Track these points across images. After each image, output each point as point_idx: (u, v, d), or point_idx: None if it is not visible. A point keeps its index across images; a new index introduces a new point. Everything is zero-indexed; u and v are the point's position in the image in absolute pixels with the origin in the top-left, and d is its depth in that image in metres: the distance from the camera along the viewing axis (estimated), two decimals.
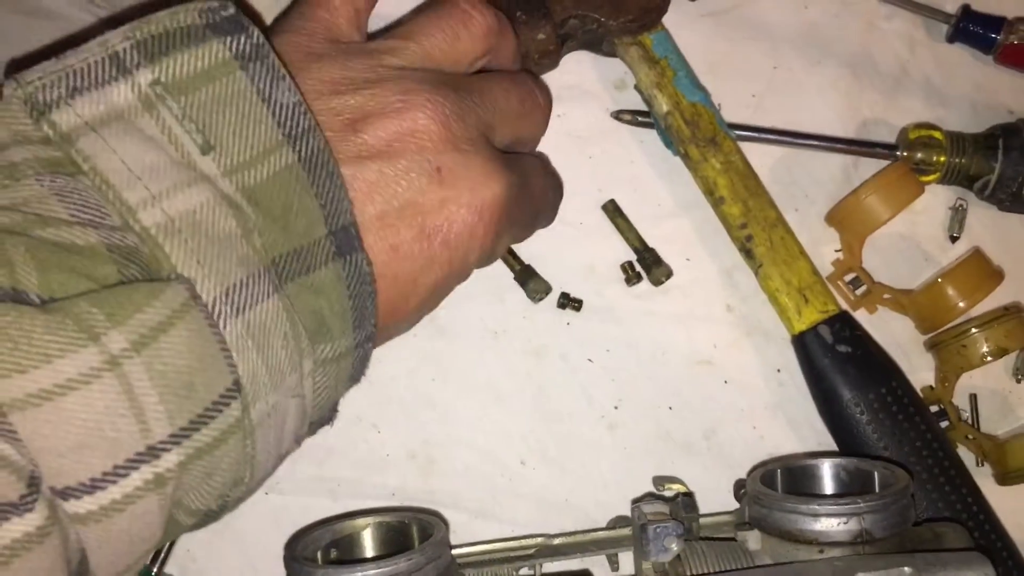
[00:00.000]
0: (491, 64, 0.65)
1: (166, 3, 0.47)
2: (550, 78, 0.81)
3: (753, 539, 0.59)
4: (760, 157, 0.80)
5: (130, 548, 0.38)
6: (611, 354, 0.78)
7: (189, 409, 0.37)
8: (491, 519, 0.74)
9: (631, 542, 0.66)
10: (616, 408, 0.77)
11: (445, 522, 0.61)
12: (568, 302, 0.78)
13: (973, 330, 0.73)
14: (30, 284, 0.35)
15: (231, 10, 0.45)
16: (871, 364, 0.73)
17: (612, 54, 0.81)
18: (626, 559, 0.69)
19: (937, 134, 0.79)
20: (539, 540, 0.68)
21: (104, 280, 0.37)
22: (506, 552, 0.67)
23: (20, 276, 0.35)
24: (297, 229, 0.43)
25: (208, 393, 0.38)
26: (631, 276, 0.79)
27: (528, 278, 0.78)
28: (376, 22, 0.70)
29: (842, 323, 0.74)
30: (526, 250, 0.79)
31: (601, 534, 0.68)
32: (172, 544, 0.71)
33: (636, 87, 0.80)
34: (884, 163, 0.80)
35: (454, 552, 0.64)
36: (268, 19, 0.82)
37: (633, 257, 0.79)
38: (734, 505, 0.69)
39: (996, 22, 0.82)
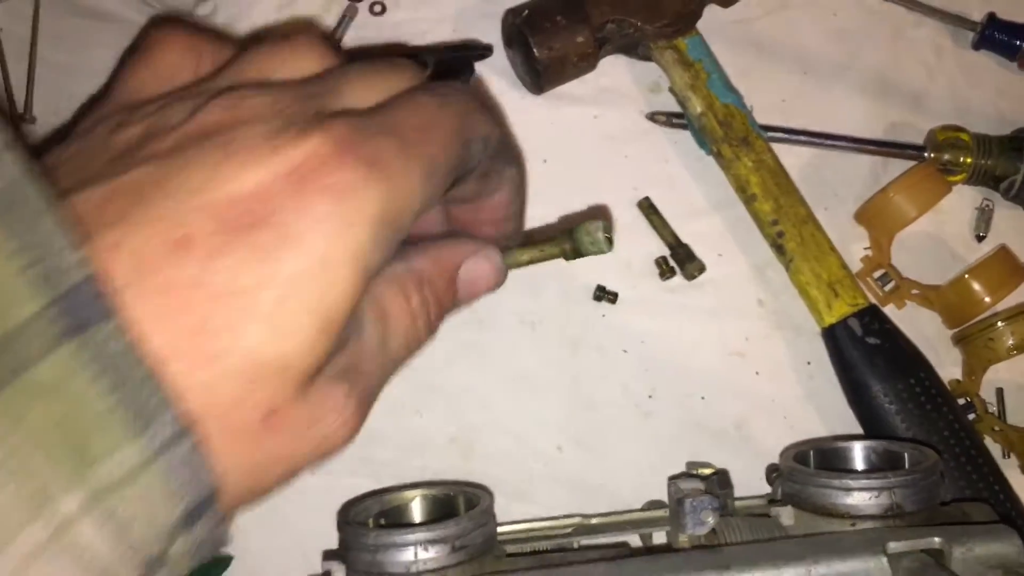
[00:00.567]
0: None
1: None
2: (588, 81, 0.85)
3: (786, 514, 0.61)
4: (790, 158, 0.82)
5: None
6: (645, 345, 0.81)
7: None
8: (528, 502, 0.77)
9: (666, 522, 0.68)
10: (650, 397, 0.80)
11: (490, 494, 0.63)
12: (604, 295, 0.81)
13: (999, 324, 0.76)
14: None
15: None
16: (900, 356, 0.75)
17: (647, 58, 0.84)
18: (660, 539, 0.71)
19: (964, 136, 0.81)
20: (576, 520, 0.70)
21: None
22: (545, 531, 0.69)
23: None
24: None
25: None
26: (665, 271, 0.82)
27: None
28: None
29: (871, 316, 0.76)
30: None
31: (637, 515, 0.70)
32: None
33: (671, 89, 0.84)
34: (912, 164, 0.83)
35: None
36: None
37: (667, 252, 0.82)
38: (766, 492, 0.71)
39: (1021, 30, 0.85)
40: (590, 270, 0.81)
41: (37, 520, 0.25)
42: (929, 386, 0.74)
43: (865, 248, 0.82)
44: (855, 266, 0.81)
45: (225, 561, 0.74)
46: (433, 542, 0.56)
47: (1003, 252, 0.79)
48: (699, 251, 0.82)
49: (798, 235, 0.78)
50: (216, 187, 0.30)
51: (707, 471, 0.69)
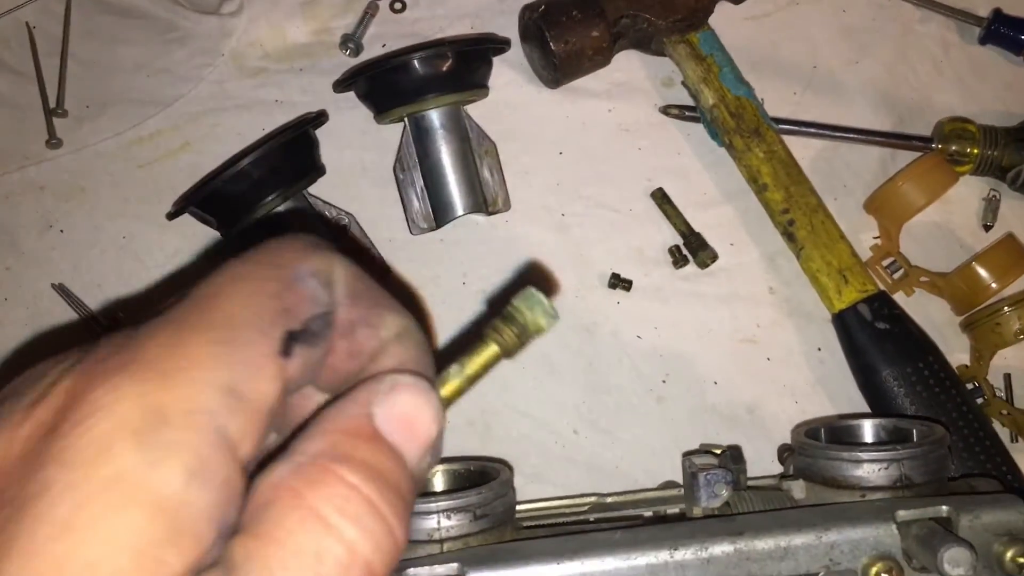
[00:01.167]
0: None
1: None
2: (602, 75, 0.87)
3: (798, 488, 0.62)
4: (801, 150, 0.84)
5: None
6: (659, 332, 0.82)
7: None
8: (545, 483, 0.79)
9: (680, 501, 0.70)
10: (664, 382, 0.81)
11: (510, 468, 0.65)
12: (619, 282, 0.83)
13: (1006, 309, 0.77)
14: None
15: None
16: (909, 340, 0.77)
17: (660, 53, 0.87)
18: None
19: (971, 127, 0.83)
20: (593, 499, 0.72)
21: None
22: (562, 508, 0.71)
23: None
24: None
25: None
26: (678, 259, 0.84)
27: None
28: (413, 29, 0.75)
29: (880, 302, 0.78)
30: (578, 232, 0.84)
31: (651, 493, 0.72)
32: None
33: (683, 82, 0.86)
34: (920, 155, 0.84)
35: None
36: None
37: (680, 241, 0.84)
38: (778, 473, 0.73)
39: None
40: (605, 259, 0.83)
41: None
42: (937, 369, 0.75)
43: (875, 237, 0.84)
44: (865, 255, 0.82)
45: None
46: (456, 510, 0.57)
47: (1009, 239, 0.81)
48: (712, 240, 0.84)
49: (808, 223, 0.80)
50: None
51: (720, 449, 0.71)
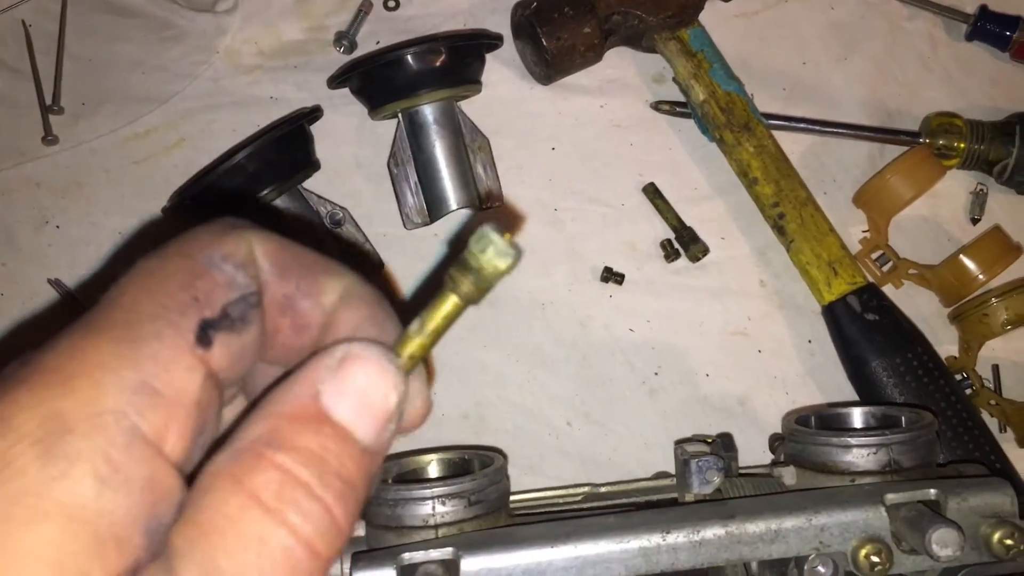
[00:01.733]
0: None
1: None
2: (594, 72, 0.88)
3: (788, 474, 0.63)
4: (790, 145, 0.85)
5: None
6: (651, 325, 0.83)
7: None
8: (539, 475, 0.79)
9: (672, 490, 0.71)
10: (656, 374, 0.82)
11: (504, 455, 0.66)
12: (611, 276, 0.84)
13: (993, 300, 0.78)
14: None
15: None
16: (897, 331, 0.77)
17: (651, 49, 0.88)
18: None
19: (958, 121, 0.84)
20: (586, 489, 0.72)
21: None
22: (556, 499, 0.71)
23: None
24: None
25: None
26: (670, 253, 0.84)
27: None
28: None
29: (869, 294, 0.78)
30: (571, 226, 0.84)
31: (644, 483, 0.73)
32: None
33: (674, 79, 0.87)
34: (908, 150, 0.85)
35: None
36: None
37: (672, 235, 0.85)
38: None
39: (1012, 21, 0.88)
40: (597, 253, 0.84)
41: None
42: (926, 360, 0.76)
43: (863, 230, 0.85)
44: (854, 248, 0.83)
45: None
46: (450, 496, 0.58)
47: (996, 231, 0.82)
48: (703, 234, 0.85)
49: (798, 217, 0.80)
50: None
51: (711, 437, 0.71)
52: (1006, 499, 0.56)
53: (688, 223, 0.85)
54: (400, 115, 0.82)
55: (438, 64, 0.78)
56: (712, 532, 0.55)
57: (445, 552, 0.54)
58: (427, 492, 0.58)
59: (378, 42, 0.89)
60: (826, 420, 0.68)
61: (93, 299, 0.29)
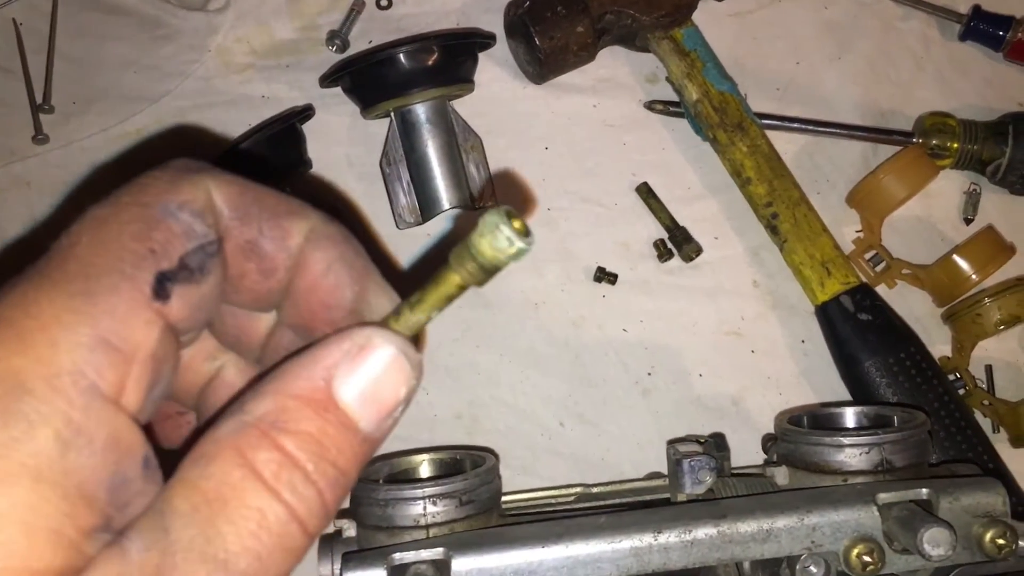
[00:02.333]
0: None
1: None
2: (587, 71, 0.88)
3: (781, 474, 0.63)
4: (784, 144, 0.85)
5: None
6: (644, 325, 0.83)
7: None
8: (532, 475, 0.79)
9: (664, 490, 0.71)
10: (649, 375, 0.82)
11: (495, 455, 0.65)
12: (604, 276, 0.83)
13: (986, 300, 0.78)
14: None
15: None
16: (890, 331, 0.77)
17: (644, 49, 0.87)
18: None
19: (951, 121, 0.84)
20: (578, 489, 0.72)
21: None
22: (548, 499, 0.71)
23: None
24: None
25: None
26: (663, 253, 0.84)
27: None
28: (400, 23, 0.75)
29: (863, 293, 0.78)
30: (564, 226, 0.84)
31: (637, 484, 0.72)
32: None
33: (667, 78, 0.86)
34: (901, 149, 0.85)
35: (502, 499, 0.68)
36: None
37: (665, 235, 0.85)
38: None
39: (1005, 21, 0.88)
40: (590, 253, 0.84)
41: None
42: (919, 359, 0.76)
43: (857, 230, 0.85)
44: (847, 248, 0.83)
45: None
46: (442, 496, 0.58)
47: (989, 231, 0.82)
48: (696, 234, 0.84)
49: (792, 216, 0.80)
50: None
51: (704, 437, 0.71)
52: (998, 499, 0.56)
53: (681, 223, 0.85)
54: (392, 114, 0.81)
55: (430, 63, 0.78)
56: (704, 532, 0.55)
57: (436, 552, 0.54)
58: (418, 492, 0.58)
59: (370, 41, 0.88)
60: (819, 420, 0.68)
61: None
